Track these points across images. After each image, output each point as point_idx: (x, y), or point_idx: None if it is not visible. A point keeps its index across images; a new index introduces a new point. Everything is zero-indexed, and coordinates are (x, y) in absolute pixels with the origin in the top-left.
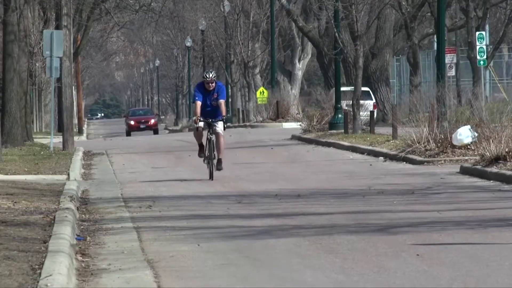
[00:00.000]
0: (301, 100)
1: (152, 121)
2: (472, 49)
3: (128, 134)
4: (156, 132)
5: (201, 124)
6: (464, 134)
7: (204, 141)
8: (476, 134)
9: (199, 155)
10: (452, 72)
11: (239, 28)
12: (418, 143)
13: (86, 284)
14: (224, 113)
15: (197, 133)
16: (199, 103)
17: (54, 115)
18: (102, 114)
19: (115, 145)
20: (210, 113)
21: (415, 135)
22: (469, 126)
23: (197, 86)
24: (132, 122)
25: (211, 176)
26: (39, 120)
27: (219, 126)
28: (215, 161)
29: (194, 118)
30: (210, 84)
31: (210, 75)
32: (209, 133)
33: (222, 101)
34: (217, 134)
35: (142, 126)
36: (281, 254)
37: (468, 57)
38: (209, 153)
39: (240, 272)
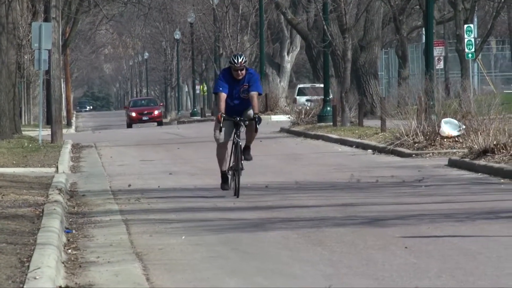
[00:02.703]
0: (290, 93)
1: (156, 112)
2: (460, 42)
3: (129, 126)
4: (160, 124)
5: (222, 136)
6: (451, 124)
7: (226, 163)
8: (463, 126)
9: (222, 187)
10: (440, 65)
11: (228, 21)
12: (407, 135)
13: (74, 277)
14: (257, 109)
15: (221, 148)
16: (223, 95)
17: (42, 108)
18: (91, 107)
19: (104, 138)
20: (238, 109)
21: (403, 128)
22: (454, 120)
23: (222, 73)
24: (134, 114)
25: (236, 192)
26: (27, 112)
27: (252, 123)
28: (242, 162)
29: (218, 134)
30: (240, 72)
31: (240, 60)
32: (234, 136)
33: (255, 94)
34: (249, 127)
35: (144, 118)
36: (270, 246)
37: (457, 50)
38: (235, 162)
39: (229, 265)
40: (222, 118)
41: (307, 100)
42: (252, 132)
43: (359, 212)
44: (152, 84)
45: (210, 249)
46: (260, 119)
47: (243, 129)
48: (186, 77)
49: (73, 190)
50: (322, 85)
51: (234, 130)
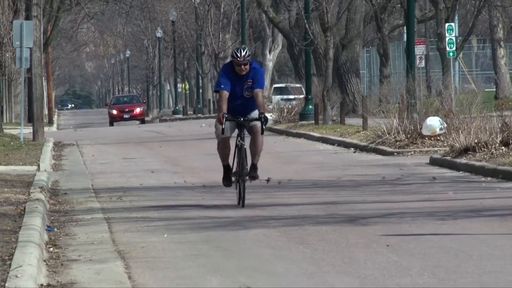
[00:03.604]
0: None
1: (138, 109)
2: (441, 40)
3: (111, 124)
4: (143, 122)
5: (226, 129)
6: (434, 122)
7: (231, 158)
8: (445, 125)
9: (224, 183)
10: (422, 64)
11: (209, 19)
12: (388, 134)
13: (56, 275)
14: (263, 108)
15: (223, 142)
16: (225, 93)
17: (24, 106)
18: (73, 105)
19: (85, 136)
20: (242, 109)
21: (385, 126)
22: (438, 117)
23: (223, 69)
24: (115, 112)
25: (241, 201)
26: (9, 110)
27: (257, 124)
28: (247, 168)
29: (218, 122)
30: (243, 67)
31: (243, 53)
32: (238, 139)
33: (259, 91)
34: (254, 130)
35: (126, 116)
36: (252, 244)
37: (438, 49)
38: (239, 166)
39: (211, 263)
40: (225, 119)
41: (281, 99)
42: (257, 137)
43: (341, 210)
44: (134, 82)
45: (192, 247)
46: (266, 119)
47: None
48: (168, 75)
49: (55, 188)
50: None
51: (237, 131)
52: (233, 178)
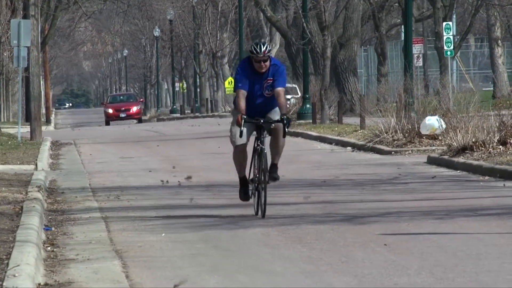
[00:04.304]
0: None
1: (135, 108)
2: (439, 39)
3: (107, 124)
4: (140, 121)
5: (243, 138)
6: (433, 122)
7: (246, 168)
8: (444, 126)
9: (242, 197)
10: (419, 63)
11: (207, 18)
12: (386, 133)
13: (54, 274)
14: (285, 109)
15: (240, 149)
16: (243, 92)
17: (21, 105)
18: (70, 104)
19: (83, 135)
20: (261, 109)
21: (382, 125)
22: (436, 116)
23: (241, 65)
24: (111, 111)
25: (260, 211)
26: (6, 109)
27: (279, 125)
28: (267, 176)
29: (236, 129)
30: (263, 63)
31: (263, 49)
32: (257, 142)
33: (281, 90)
34: (276, 131)
35: (122, 115)
36: (250, 243)
37: (435, 48)
38: (258, 172)
39: (209, 262)
40: (243, 120)
41: None
42: (278, 139)
43: (339, 209)
44: (131, 82)
45: (190, 246)
46: (289, 121)
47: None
48: (166, 74)
49: (53, 188)
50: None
51: (256, 134)
52: (250, 187)
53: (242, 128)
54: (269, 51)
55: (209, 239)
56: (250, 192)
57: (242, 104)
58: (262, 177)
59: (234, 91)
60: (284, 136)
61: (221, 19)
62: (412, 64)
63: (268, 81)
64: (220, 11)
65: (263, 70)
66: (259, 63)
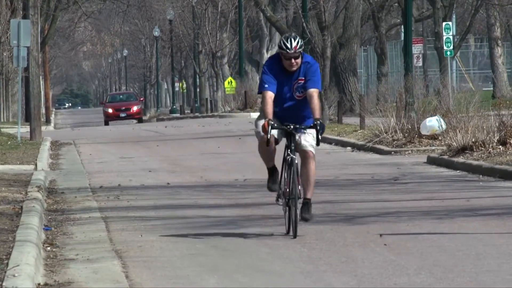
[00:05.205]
0: None
1: (135, 108)
2: (439, 39)
3: (106, 124)
4: (140, 121)
5: (274, 132)
6: (434, 123)
7: (273, 159)
8: (444, 125)
9: (269, 187)
10: (419, 63)
11: (207, 18)
12: (386, 133)
13: (53, 274)
14: (318, 114)
15: (264, 140)
16: (270, 94)
17: (21, 105)
18: (70, 104)
19: (83, 135)
20: (292, 114)
21: (382, 125)
22: (437, 116)
23: (267, 63)
24: (110, 110)
25: (291, 229)
26: (6, 109)
27: (308, 138)
28: (299, 203)
29: (262, 122)
30: (293, 61)
31: (293, 43)
32: (287, 151)
33: (314, 92)
34: (304, 154)
35: (122, 114)
36: (249, 243)
37: (435, 48)
38: (289, 186)
39: (209, 262)
40: (270, 127)
41: None
42: (308, 163)
43: (338, 209)
44: (131, 82)
45: (190, 246)
46: (323, 127)
47: (302, 137)
48: (165, 74)
49: (52, 188)
50: None
51: (287, 141)
52: (280, 200)
53: (269, 135)
54: (301, 46)
55: (209, 239)
56: (277, 196)
57: (269, 108)
58: (293, 190)
59: (259, 92)
60: (317, 144)
61: (221, 19)
62: (412, 64)
63: (299, 81)
64: (220, 11)
65: (294, 69)
66: (289, 61)
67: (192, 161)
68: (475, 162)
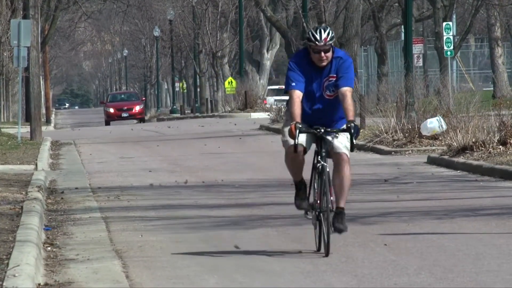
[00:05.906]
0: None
1: (137, 108)
2: (439, 39)
3: (107, 124)
4: (142, 121)
5: (301, 138)
6: (434, 124)
7: (301, 172)
8: (444, 126)
9: (298, 204)
10: (419, 63)
11: (207, 18)
12: (386, 133)
13: (54, 274)
14: (352, 115)
15: (294, 156)
16: (297, 93)
17: (21, 105)
18: (68, 104)
19: (83, 135)
20: (321, 115)
21: (382, 125)
22: (437, 116)
23: (294, 58)
24: (112, 110)
25: (323, 247)
26: (6, 110)
27: (342, 139)
28: (331, 216)
29: (288, 127)
30: (323, 55)
31: (323, 35)
32: (317, 158)
33: (347, 91)
34: (338, 157)
35: (124, 114)
36: (250, 244)
37: (436, 48)
38: (319, 198)
39: (209, 262)
40: (298, 130)
41: (275, 100)
42: (342, 168)
43: None
44: (131, 82)
45: (190, 246)
46: (358, 130)
47: (340, 139)
48: (166, 74)
49: (53, 188)
50: None
51: (315, 147)
52: (309, 214)
53: (296, 140)
54: (332, 38)
55: (209, 239)
56: (306, 193)
57: (297, 109)
58: (325, 203)
59: (285, 92)
60: (352, 150)
61: (221, 19)
62: (413, 64)
63: (330, 79)
64: (220, 11)
65: (324, 64)
66: (318, 54)
67: (192, 161)
68: (475, 162)
